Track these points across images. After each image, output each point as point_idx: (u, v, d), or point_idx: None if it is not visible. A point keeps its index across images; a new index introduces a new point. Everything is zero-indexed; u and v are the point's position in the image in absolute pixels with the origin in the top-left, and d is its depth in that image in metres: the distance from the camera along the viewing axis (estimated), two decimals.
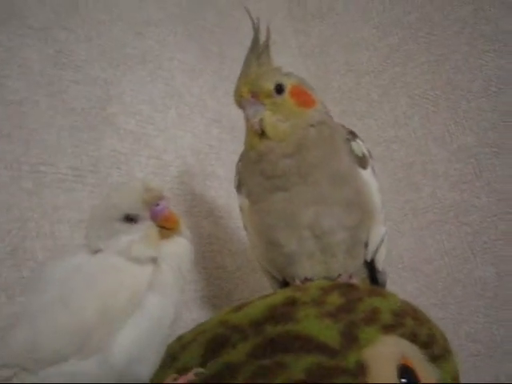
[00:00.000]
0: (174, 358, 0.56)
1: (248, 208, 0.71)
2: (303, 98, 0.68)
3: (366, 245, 0.71)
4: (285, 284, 0.75)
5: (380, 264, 0.73)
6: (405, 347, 0.59)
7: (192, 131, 0.98)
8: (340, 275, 0.68)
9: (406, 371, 0.55)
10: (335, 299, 0.61)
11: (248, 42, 0.70)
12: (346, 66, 1.35)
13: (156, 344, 0.52)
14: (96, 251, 0.53)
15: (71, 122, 0.78)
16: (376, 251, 0.72)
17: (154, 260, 0.53)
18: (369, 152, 0.72)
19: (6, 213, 0.66)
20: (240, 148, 0.73)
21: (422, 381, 0.56)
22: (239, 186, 0.73)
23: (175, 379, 0.51)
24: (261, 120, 0.67)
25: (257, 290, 0.96)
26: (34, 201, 0.69)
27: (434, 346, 0.61)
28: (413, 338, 0.60)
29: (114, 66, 0.89)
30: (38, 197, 0.69)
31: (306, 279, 0.69)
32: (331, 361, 0.52)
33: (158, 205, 0.53)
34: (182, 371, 0.52)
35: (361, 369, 0.52)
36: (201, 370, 0.51)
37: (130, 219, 0.53)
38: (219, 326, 0.57)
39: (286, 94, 0.67)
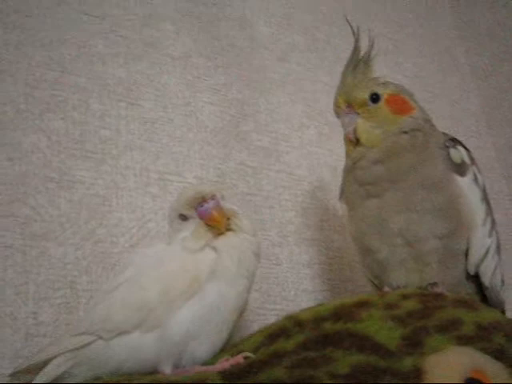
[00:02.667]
0: (237, 344, 0.60)
1: (346, 214, 0.73)
2: (399, 105, 0.69)
3: (467, 256, 0.68)
4: None
5: (487, 278, 0.69)
6: (480, 361, 0.56)
7: (330, 149, 1.01)
8: (433, 284, 0.65)
9: None
10: (411, 305, 0.60)
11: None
12: None
13: (213, 326, 0.56)
14: (169, 244, 0.60)
15: (202, 138, 0.87)
16: (480, 264, 0.68)
17: (214, 250, 0.58)
18: (472, 160, 0.69)
19: (131, 213, 0.76)
20: None
21: None
22: (341, 194, 0.75)
23: (226, 360, 0.54)
24: (355, 128, 0.68)
25: None
26: (158, 204, 0.77)
27: None
28: (499, 354, 0.56)
29: (252, 89, 0.96)
30: (161, 201, 0.78)
31: (399, 287, 0.68)
32: (382, 361, 0.51)
33: (202, 206, 0.59)
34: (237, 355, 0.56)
35: (416, 373, 0.51)
36: (249, 354, 0.54)
37: (184, 218, 0.61)
38: (287, 319, 0.60)
39: (382, 103, 0.69)
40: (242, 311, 0.60)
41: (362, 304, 0.61)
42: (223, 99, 0.92)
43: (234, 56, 0.97)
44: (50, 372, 0.54)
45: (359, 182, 0.69)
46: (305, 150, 0.99)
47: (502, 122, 1.38)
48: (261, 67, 0.99)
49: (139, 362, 0.55)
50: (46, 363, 0.54)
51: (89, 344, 0.55)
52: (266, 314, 0.80)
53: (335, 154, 1.02)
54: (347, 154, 0.71)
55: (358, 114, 0.69)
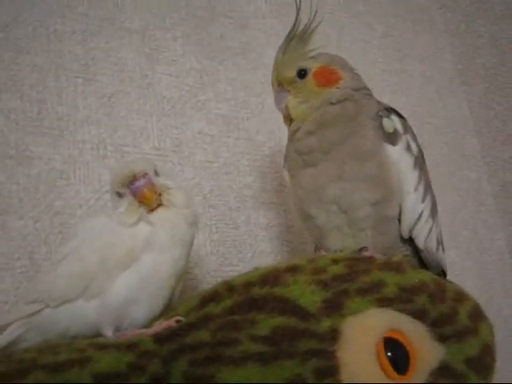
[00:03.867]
0: (174, 308, 0.65)
1: (289, 181, 0.77)
2: (326, 77, 0.71)
3: (400, 221, 0.72)
4: None
5: (420, 242, 0.73)
6: (398, 321, 0.59)
7: None
8: (364, 248, 0.70)
9: (392, 344, 0.56)
10: (337, 269, 0.64)
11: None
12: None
13: (150, 292, 0.61)
14: (110, 217, 0.65)
15: (160, 109, 0.90)
16: (413, 228, 0.72)
17: (150, 224, 0.62)
18: (406, 128, 0.72)
19: (88, 185, 0.80)
20: None
21: (414, 356, 0.56)
22: (284, 162, 0.79)
23: (160, 324, 0.60)
24: (286, 106, 0.72)
25: None
26: None
27: (446, 325, 0.60)
28: (420, 314, 0.60)
29: (211, 58, 0.99)
30: None
31: (335, 251, 0.72)
32: (301, 323, 0.56)
33: (133, 184, 0.63)
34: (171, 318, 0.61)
35: (332, 335, 0.55)
36: (181, 318, 0.59)
37: (119, 195, 0.65)
38: (221, 284, 0.65)
39: (309, 77, 0.72)
40: (180, 277, 0.65)
41: (291, 269, 0.65)
42: (181, 70, 0.95)
43: (193, 26, 0.99)
44: (5, 337, 0.60)
45: (297, 151, 0.73)
46: (265, 116, 1.01)
47: (476, 78, 1.39)
48: (221, 36, 1.02)
49: (83, 327, 0.60)
50: (2, 329, 0.60)
51: (38, 312, 0.61)
52: (223, 276, 0.84)
53: None
54: (287, 126, 0.75)
55: (288, 91, 0.73)
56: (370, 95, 0.74)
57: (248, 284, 0.63)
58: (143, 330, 0.59)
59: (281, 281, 0.62)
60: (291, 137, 0.74)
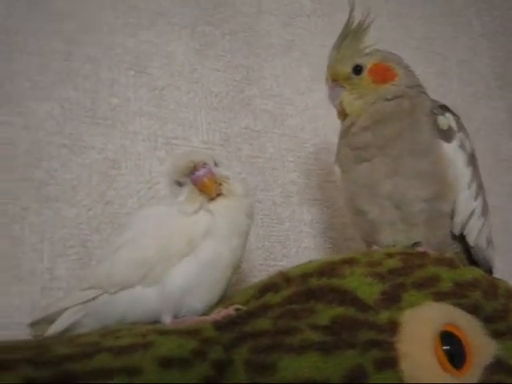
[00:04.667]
0: (231, 297, 0.66)
1: (340, 176, 0.77)
2: (381, 74, 0.72)
3: (452, 217, 0.72)
4: None
5: (471, 238, 0.73)
6: (454, 315, 0.60)
7: (335, 112, 1.04)
8: (417, 243, 0.70)
9: (449, 338, 0.56)
10: (392, 263, 0.64)
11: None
12: None
13: (208, 281, 0.62)
14: (169, 205, 0.65)
15: (208, 104, 0.91)
16: (465, 225, 0.72)
17: (210, 213, 0.63)
18: (459, 126, 0.73)
19: (139, 175, 0.81)
20: None
21: (469, 351, 0.56)
22: (336, 158, 0.79)
23: (219, 312, 0.60)
24: (341, 102, 0.73)
25: None
26: (165, 168, 0.83)
27: (499, 321, 0.60)
28: (474, 309, 0.60)
29: (257, 54, 1.00)
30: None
31: (388, 246, 0.72)
32: (360, 314, 0.56)
33: (194, 173, 0.63)
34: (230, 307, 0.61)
35: (391, 326, 0.55)
36: (240, 306, 0.60)
37: (179, 184, 0.66)
38: (278, 275, 0.65)
39: (365, 73, 0.72)
40: (236, 267, 0.65)
41: (347, 261, 0.65)
42: (228, 65, 0.96)
43: (240, 23, 1.00)
44: (62, 322, 0.60)
45: (351, 146, 0.73)
46: (309, 113, 1.02)
47: None
48: (266, 33, 1.02)
49: (141, 314, 0.61)
50: (58, 314, 0.61)
51: (96, 297, 0.61)
52: (268, 271, 0.84)
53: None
54: (341, 122, 0.75)
55: (343, 87, 0.73)
56: (424, 93, 0.74)
57: (305, 275, 0.64)
58: (203, 318, 0.59)
59: (338, 272, 0.62)
60: (345, 132, 0.74)
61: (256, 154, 0.92)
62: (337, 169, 0.77)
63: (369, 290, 0.59)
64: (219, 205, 0.63)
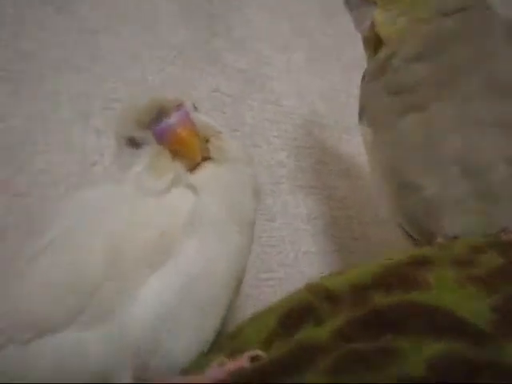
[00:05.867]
0: (234, 335, 0.38)
1: (371, 140, 0.51)
2: None
3: None
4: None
5: None
6: None
7: (322, 76, 0.79)
8: (506, 229, 0.44)
9: None
10: (489, 259, 0.40)
11: None
12: None
13: (196, 308, 0.35)
14: (118, 183, 0.37)
15: (162, 56, 0.63)
16: None
17: (193, 190, 0.36)
18: None
19: (63, 154, 0.53)
20: None
21: None
22: (362, 113, 0.53)
23: (221, 365, 0.33)
24: (372, 23, 0.50)
25: None
26: (104, 142, 0.55)
27: None
28: None
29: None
30: (107, 138, 0.55)
31: (455, 238, 0.47)
32: (474, 350, 0.31)
33: (161, 122, 0.37)
34: (238, 353, 0.34)
35: None
36: (259, 352, 0.32)
37: (135, 144, 0.39)
38: (306, 291, 0.39)
39: None
40: (239, 281, 0.38)
41: (419, 262, 0.40)
42: (188, 9, 0.69)
43: None
44: None
45: (390, 90, 0.49)
46: (292, 76, 0.76)
47: None
48: None
49: (79, 374, 0.33)
50: None
51: None
52: (260, 286, 0.59)
53: (328, 83, 0.80)
54: (369, 59, 0.51)
55: (374, 2, 0.51)
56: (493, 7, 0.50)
57: (359, 288, 0.38)
58: (193, 378, 0.31)
59: (416, 280, 0.38)
60: (379, 69, 0.49)
61: (232, 125, 0.65)
62: (364, 129, 0.51)
63: (474, 306, 0.35)
64: (207, 176, 0.37)
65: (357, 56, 0.86)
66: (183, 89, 0.64)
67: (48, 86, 0.56)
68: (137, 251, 0.34)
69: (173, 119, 0.37)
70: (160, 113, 0.37)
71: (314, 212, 0.71)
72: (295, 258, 0.65)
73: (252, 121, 0.69)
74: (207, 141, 0.38)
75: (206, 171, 0.37)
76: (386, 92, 0.49)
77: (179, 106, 0.37)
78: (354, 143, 0.79)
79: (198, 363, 0.35)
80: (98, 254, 0.33)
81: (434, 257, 0.41)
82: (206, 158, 0.38)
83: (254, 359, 0.33)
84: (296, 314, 0.37)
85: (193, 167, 0.37)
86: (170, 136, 0.36)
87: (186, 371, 0.35)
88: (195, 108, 0.39)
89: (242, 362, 0.32)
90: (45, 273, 0.34)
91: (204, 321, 0.35)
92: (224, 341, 0.38)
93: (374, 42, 0.51)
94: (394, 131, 0.49)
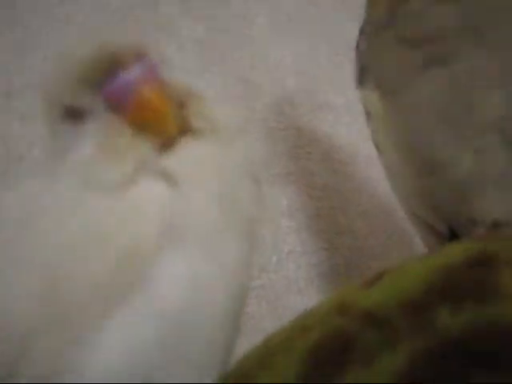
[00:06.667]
0: (242, 374, 0.26)
1: (380, 106, 0.40)
2: None
3: None
4: (452, 238, 0.43)
5: None
6: None
7: (291, 48, 0.69)
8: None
9: None
10: None
11: None
12: None
13: (183, 352, 0.22)
14: (52, 175, 0.25)
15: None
16: None
17: (165, 179, 0.23)
18: None
19: None
20: None
21: None
22: (362, 74, 0.42)
23: None
24: None
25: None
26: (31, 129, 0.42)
27: None
28: None
29: None
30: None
31: (496, 224, 0.36)
32: None
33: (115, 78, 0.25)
34: None
35: None
36: None
37: (74, 115, 0.26)
38: (336, 313, 0.27)
39: None
40: (241, 310, 0.26)
41: (483, 261, 0.29)
42: None
43: None
44: None
45: (408, 41, 0.37)
46: (255, 46, 0.65)
47: None
48: None
49: None
50: None
51: None
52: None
53: (298, 56, 0.69)
54: (373, 5, 0.39)
55: None
56: None
57: (412, 307, 0.27)
58: None
59: (485, 287, 0.27)
60: (389, 16, 0.38)
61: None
62: (371, 94, 0.40)
63: None
64: (187, 158, 0.25)
65: (324, 19, 0.77)
66: None
67: None
68: (87, 285, 0.21)
69: (133, 74, 0.24)
70: (113, 66, 0.24)
71: (294, 203, 0.60)
72: (278, 261, 0.54)
73: (211, 94, 0.57)
74: (182, 106, 0.26)
75: (185, 151, 0.25)
76: (400, 44, 0.38)
77: (140, 56, 0.25)
78: (330, 122, 0.69)
79: None
80: (26, 296, 0.21)
81: (498, 253, 0.30)
82: (183, 132, 0.25)
83: None
84: (329, 349, 0.26)
85: (164, 146, 0.25)
86: (130, 98, 0.24)
87: None
88: (162, 61, 0.27)
89: None
90: None
91: (195, 367, 0.23)
92: None
93: None
94: (412, 93, 0.39)
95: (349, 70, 0.74)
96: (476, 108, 0.37)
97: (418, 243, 0.66)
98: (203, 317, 0.24)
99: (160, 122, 0.24)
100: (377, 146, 0.44)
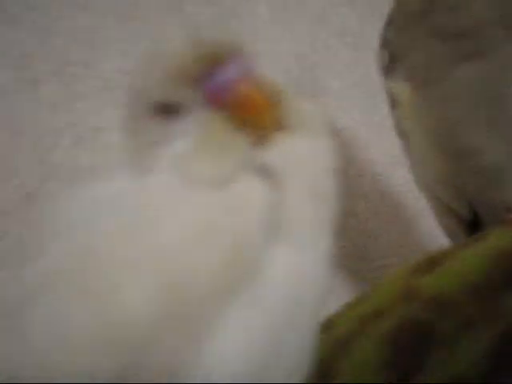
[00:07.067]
0: (329, 366, 0.27)
1: (410, 97, 0.41)
2: None
3: None
4: (474, 225, 0.44)
5: None
6: None
7: (290, 32, 0.68)
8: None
9: None
10: None
11: None
12: None
13: (293, 352, 0.24)
14: (141, 173, 0.25)
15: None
16: None
17: (265, 175, 0.24)
18: None
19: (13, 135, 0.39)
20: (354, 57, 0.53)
21: None
22: (390, 64, 0.43)
23: None
24: None
25: (404, 246, 0.66)
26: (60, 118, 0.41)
27: None
28: None
29: None
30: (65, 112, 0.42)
31: None
32: None
33: (213, 75, 0.24)
34: None
35: None
36: None
37: (168, 110, 0.26)
38: (404, 301, 0.28)
39: None
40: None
41: None
42: None
43: None
44: None
45: (444, 34, 0.38)
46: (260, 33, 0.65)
47: None
48: None
49: None
50: None
51: None
52: None
53: (298, 40, 0.69)
54: None
55: None
56: None
57: (481, 291, 0.28)
58: None
59: None
60: (423, 9, 0.39)
61: None
62: (401, 85, 0.41)
63: None
64: (284, 154, 0.25)
65: (321, 13, 0.77)
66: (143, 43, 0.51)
67: None
68: (202, 282, 0.22)
69: (232, 70, 0.24)
70: (212, 62, 0.24)
71: None
72: None
73: None
74: (275, 102, 0.26)
75: (281, 147, 0.25)
76: (435, 36, 0.39)
77: (237, 52, 0.25)
78: (329, 105, 0.70)
79: None
80: (144, 296, 0.21)
81: None
82: (278, 127, 0.26)
83: None
84: (408, 338, 0.27)
85: (261, 141, 0.25)
86: (231, 94, 0.24)
87: None
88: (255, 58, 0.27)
89: None
90: (50, 323, 0.21)
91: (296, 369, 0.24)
92: None
93: None
94: (445, 85, 0.40)
95: (347, 55, 0.75)
96: (510, 99, 0.38)
97: (417, 224, 0.68)
98: (306, 310, 0.24)
99: (260, 117, 0.25)
100: (402, 133, 0.45)
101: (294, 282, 0.24)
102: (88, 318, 0.22)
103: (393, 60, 0.44)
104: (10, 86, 0.42)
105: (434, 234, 0.59)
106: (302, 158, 0.25)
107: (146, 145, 0.26)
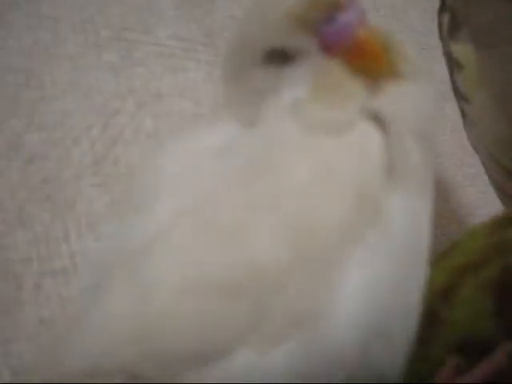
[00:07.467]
0: (435, 316, 0.27)
1: (474, 58, 0.41)
2: None
3: None
4: None
5: None
6: None
7: None
8: None
9: None
10: None
11: None
12: None
13: (406, 302, 0.23)
14: (253, 120, 0.25)
15: None
16: None
17: (377, 121, 0.24)
18: None
19: (81, 98, 0.39)
20: None
21: None
22: (454, 27, 0.43)
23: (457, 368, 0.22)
24: None
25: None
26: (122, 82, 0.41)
27: None
28: None
29: None
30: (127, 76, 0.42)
31: None
32: None
33: (331, 20, 0.24)
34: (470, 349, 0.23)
35: None
36: None
37: (281, 56, 0.26)
38: (502, 252, 0.28)
39: None
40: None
41: None
42: None
43: None
44: None
45: None
46: None
47: None
48: None
49: None
50: None
51: None
52: None
53: None
54: None
55: None
56: None
57: None
58: None
59: None
60: None
61: None
62: (465, 47, 0.41)
63: None
64: (395, 101, 0.25)
65: None
66: (198, 17, 0.51)
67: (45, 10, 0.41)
68: (330, 226, 0.22)
69: (350, 16, 0.25)
70: (329, 9, 0.24)
71: None
72: None
73: None
74: (387, 49, 0.26)
75: (393, 93, 0.25)
76: None
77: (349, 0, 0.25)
78: None
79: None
80: (274, 236, 0.21)
81: None
82: (390, 74, 0.26)
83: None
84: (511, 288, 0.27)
85: (375, 87, 0.26)
86: (349, 40, 0.24)
87: None
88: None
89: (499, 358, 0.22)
90: (178, 273, 0.21)
91: (413, 317, 0.24)
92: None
93: None
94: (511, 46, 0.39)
95: None
96: None
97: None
98: (420, 256, 0.25)
99: (377, 63, 0.25)
100: (465, 96, 0.45)
101: (411, 230, 0.24)
102: (217, 259, 0.22)
103: (455, 23, 0.44)
104: (75, 50, 0.42)
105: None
106: (413, 104, 0.26)
107: (254, 93, 0.26)
